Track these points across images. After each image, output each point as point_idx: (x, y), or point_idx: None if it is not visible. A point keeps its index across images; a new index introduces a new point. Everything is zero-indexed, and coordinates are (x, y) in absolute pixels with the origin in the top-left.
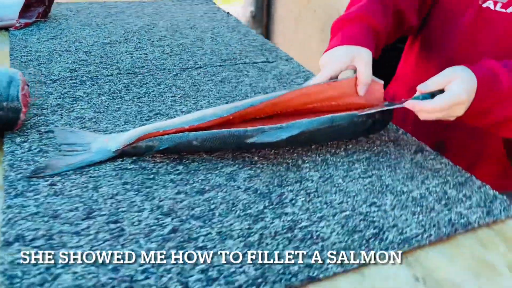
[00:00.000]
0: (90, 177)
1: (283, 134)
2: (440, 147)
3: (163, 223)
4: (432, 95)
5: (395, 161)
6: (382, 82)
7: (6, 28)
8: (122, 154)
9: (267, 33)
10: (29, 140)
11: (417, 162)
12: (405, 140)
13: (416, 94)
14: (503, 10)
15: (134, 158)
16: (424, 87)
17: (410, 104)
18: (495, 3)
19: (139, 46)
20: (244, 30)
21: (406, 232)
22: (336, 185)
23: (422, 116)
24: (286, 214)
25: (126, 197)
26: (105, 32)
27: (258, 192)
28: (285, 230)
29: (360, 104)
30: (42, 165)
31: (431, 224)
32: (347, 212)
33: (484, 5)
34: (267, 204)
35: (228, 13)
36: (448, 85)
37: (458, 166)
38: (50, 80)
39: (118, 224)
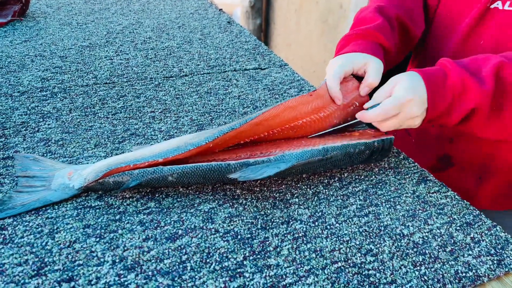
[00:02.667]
0: (47, 218)
1: (270, 169)
2: (446, 160)
3: (125, 281)
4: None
5: (395, 194)
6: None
7: None
8: (86, 189)
9: (266, 24)
10: None
11: (419, 196)
12: (406, 166)
13: (366, 106)
14: None
15: (99, 193)
16: (372, 101)
17: (359, 115)
18: (504, 2)
19: (120, 50)
20: (236, 30)
21: None
22: (328, 227)
23: (382, 127)
24: (269, 267)
25: (86, 245)
26: (85, 33)
27: (238, 237)
28: None
29: (342, 112)
30: None
31: (434, 279)
32: (339, 264)
33: (492, 6)
34: (247, 254)
35: (220, 9)
36: (392, 91)
37: (465, 201)
38: (18, 92)
39: (72, 284)
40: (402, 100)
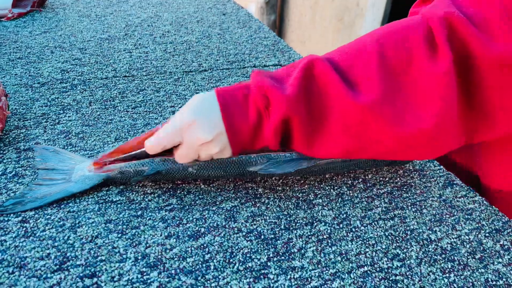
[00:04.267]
0: (69, 212)
1: (291, 166)
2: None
3: (148, 279)
4: None
5: (421, 198)
6: None
7: None
8: (107, 180)
9: (280, 20)
10: (4, 160)
11: (446, 200)
12: (432, 169)
13: None
14: None
15: (121, 187)
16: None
17: (144, 144)
18: None
19: (139, 43)
20: (255, 25)
21: None
22: (353, 229)
23: (176, 157)
24: (294, 269)
25: (108, 240)
26: (104, 25)
27: (262, 237)
28: None
29: None
30: (12, 201)
31: (464, 287)
32: (365, 268)
33: None
34: (271, 255)
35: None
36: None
37: (493, 207)
38: (38, 83)
39: (95, 280)
40: (181, 124)
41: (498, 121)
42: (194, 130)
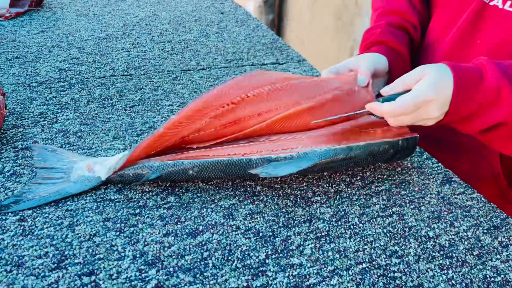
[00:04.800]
0: (67, 210)
1: (292, 167)
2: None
3: (146, 276)
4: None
5: (419, 195)
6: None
7: None
8: (106, 182)
9: (279, 19)
10: (2, 159)
11: (444, 197)
12: (430, 167)
13: (383, 92)
14: None
15: (119, 186)
16: (389, 89)
17: (371, 106)
18: (505, 2)
19: (137, 42)
20: (253, 24)
21: None
22: (351, 226)
23: (392, 122)
24: (292, 266)
25: (106, 239)
26: (102, 24)
27: (260, 235)
28: None
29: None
30: (11, 200)
31: (462, 283)
32: (364, 265)
33: (492, 3)
34: (270, 252)
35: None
36: (415, 85)
37: (492, 204)
38: (36, 82)
39: (93, 278)
40: (423, 99)
41: None
42: (430, 107)
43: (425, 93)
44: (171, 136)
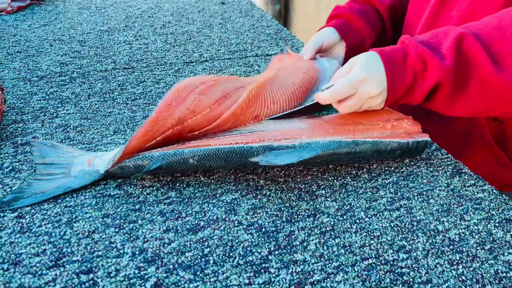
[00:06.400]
0: (66, 206)
1: (293, 156)
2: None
3: (146, 274)
4: None
5: (428, 187)
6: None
7: None
8: (107, 175)
9: (285, 10)
10: (1, 155)
11: (454, 189)
12: (439, 158)
13: (324, 87)
14: None
15: (119, 181)
16: (329, 82)
17: (316, 96)
18: None
19: (139, 35)
20: (257, 14)
21: None
22: (357, 221)
23: (340, 108)
24: (296, 262)
25: (105, 235)
26: (104, 17)
27: (263, 230)
28: (293, 287)
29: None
30: (11, 196)
31: (473, 279)
32: (370, 261)
33: None
34: (272, 248)
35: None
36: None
37: (504, 196)
38: (37, 76)
39: (91, 276)
40: (356, 79)
41: None
42: (366, 84)
43: (358, 74)
44: (165, 119)
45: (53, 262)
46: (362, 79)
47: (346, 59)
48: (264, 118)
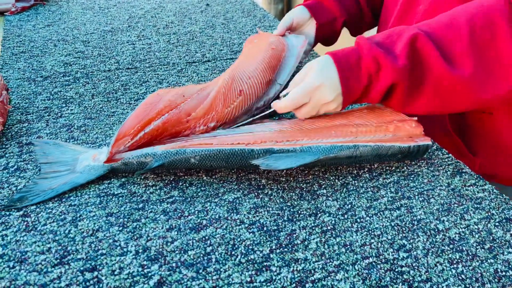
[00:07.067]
0: (70, 205)
1: (294, 161)
2: None
3: (149, 272)
4: None
5: (429, 187)
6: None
7: (1, 13)
8: (111, 171)
9: (288, 9)
10: (6, 155)
11: (454, 189)
12: (440, 158)
13: (281, 95)
14: None
15: (122, 180)
16: (286, 90)
17: (273, 105)
18: None
19: (142, 35)
20: (260, 14)
21: None
22: (358, 220)
23: (297, 115)
24: (297, 261)
25: (109, 234)
26: (108, 18)
27: (264, 229)
28: (294, 285)
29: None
30: (19, 195)
31: (472, 278)
32: (370, 259)
33: None
34: (274, 247)
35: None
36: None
37: (504, 196)
38: (41, 77)
39: (95, 273)
40: (310, 87)
41: None
42: (321, 91)
43: (312, 81)
44: (156, 103)
45: (58, 260)
46: (316, 86)
47: (316, 37)
48: (247, 94)
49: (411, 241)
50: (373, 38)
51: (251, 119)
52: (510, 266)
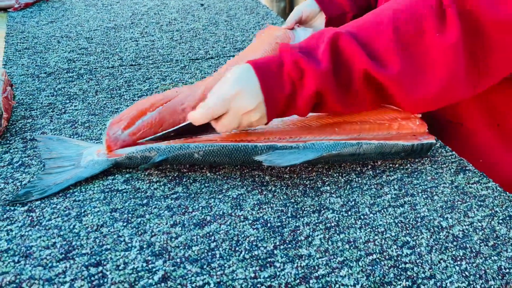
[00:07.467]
0: (75, 201)
1: (297, 157)
2: None
3: (153, 267)
4: None
5: (432, 184)
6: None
7: (5, 9)
8: (115, 166)
9: (290, 7)
10: (11, 150)
11: (458, 186)
12: (443, 155)
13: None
14: None
15: (127, 176)
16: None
17: (188, 115)
18: None
19: (146, 32)
20: (263, 12)
21: (446, 286)
22: (362, 216)
23: (217, 127)
24: (301, 257)
25: (113, 229)
26: (111, 14)
27: (268, 225)
28: (298, 281)
29: None
30: (24, 190)
31: (476, 275)
32: (374, 256)
33: None
34: (278, 243)
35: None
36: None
37: (508, 193)
38: (45, 73)
39: (100, 268)
40: (228, 95)
41: (498, 73)
42: (239, 99)
43: (230, 90)
44: (150, 97)
45: (63, 255)
46: (234, 94)
47: None
48: None
49: (415, 238)
50: (296, 44)
51: (166, 131)
52: None
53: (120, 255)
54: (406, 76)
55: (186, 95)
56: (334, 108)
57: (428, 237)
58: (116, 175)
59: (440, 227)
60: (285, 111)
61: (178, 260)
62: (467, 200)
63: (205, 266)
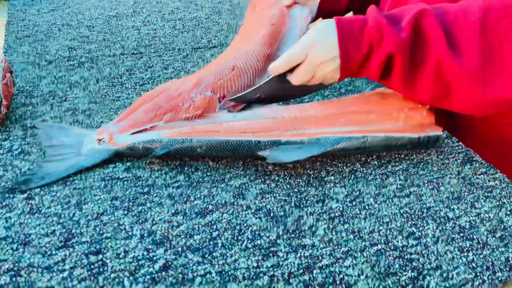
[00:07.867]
0: (75, 189)
1: (301, 153)
2: None
3: (154, 256)
4: None
5: (438, 175)
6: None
7: None
8: (116, 155)
9: None
10: (10, 138)
11: (465, 177)
12: (450, 146)
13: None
14: None
15: (127, 164)
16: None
17: (269, 68)
18: None
19: (148, 20)
20: None
21: (452, 277)
22: (366, 207)
23: (292, 78)
24: (304, 247)
25: (113, 218)
26: (112, 3)
27: (271, 215)
28: (301, 271)
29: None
30: (24, 178)
31: (483, 266)
32: (379, 246)
33: None
34: (281, 232)
35: None
36: None
37: None
38: (45, 61)
39: (100, 257)
40: (305, 45)
41: None
42: (316, 49)
43: (309, 40)
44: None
45: (62, 243)
46: (311, 44)
47: (319, 11)
48: (241, 69)
49: (421, 228)
50: (386, 12)
51: (253, 88)
52: None
53: (120, 243)
54: (482, 73)
55: (180, 83)
56: (398, 82)
57: (434, 228)
58: (117, 163)
59: (446, 218)
60: (358, 71)
61: (180, 249)
62: (474, 191)
63: (206, 255)
